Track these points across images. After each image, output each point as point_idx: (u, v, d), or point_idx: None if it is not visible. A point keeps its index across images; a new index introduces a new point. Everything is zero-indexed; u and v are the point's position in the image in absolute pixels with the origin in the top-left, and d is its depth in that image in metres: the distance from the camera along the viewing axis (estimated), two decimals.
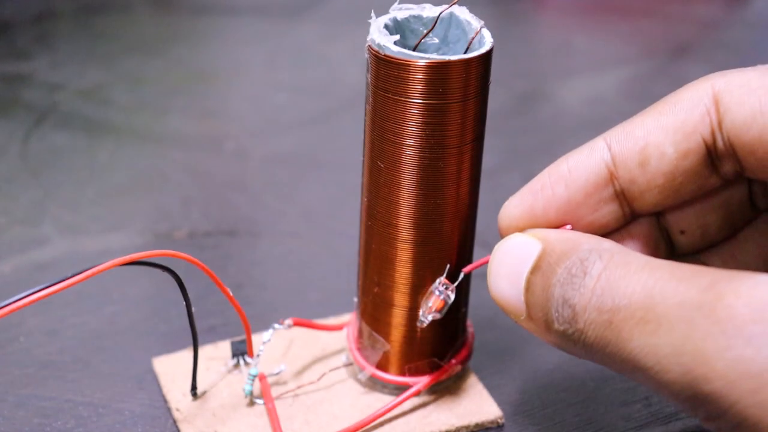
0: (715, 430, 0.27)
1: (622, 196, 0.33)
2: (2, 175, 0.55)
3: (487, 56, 0.34)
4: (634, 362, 0.27)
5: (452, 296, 0.36)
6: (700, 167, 0.32)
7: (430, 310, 0.36)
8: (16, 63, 0.68)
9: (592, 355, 0.29)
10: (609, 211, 0.34)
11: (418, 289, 0.37)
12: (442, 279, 0.36)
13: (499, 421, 0.39)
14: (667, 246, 0.35)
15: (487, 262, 0.33)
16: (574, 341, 0.29)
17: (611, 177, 0.33)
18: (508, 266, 0.32)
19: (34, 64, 0.68)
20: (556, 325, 0.30)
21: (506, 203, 0.34)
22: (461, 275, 0.36)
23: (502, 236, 0.34)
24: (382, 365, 0.39)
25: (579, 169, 0.33)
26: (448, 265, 0.36)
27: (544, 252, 0.31)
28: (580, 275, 0.29)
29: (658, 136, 0.32)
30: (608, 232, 0.34)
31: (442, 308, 0.36)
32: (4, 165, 0.56)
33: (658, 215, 0.35)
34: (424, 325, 0.37)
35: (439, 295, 0.36)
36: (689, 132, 0.32)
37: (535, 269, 0.31)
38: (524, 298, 0.31)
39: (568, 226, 0.33)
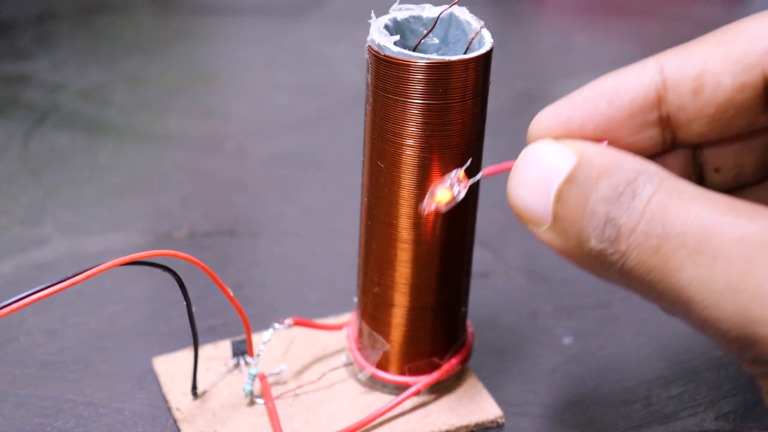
0: (759, 375, 0.26)
1: (666, 122, 0.32)
2: (2, 175, 0.55)
3: (487, 56, 0.34)
4: (678, 293, 0.26)
5: (462, 194, 0.34)
6: (754, 103, 0.31)
7: (434, 197, 0.34)
8: (16, 63, 0.68)
9: (627, 280, 0.28)
10: (649, 136, 0.32)
11: (419, 289, 0.37)
12: (461, 171, 0.34)
13: (499, 421, 0.39)
14: (698, 182, 0.34)
15: (510, 168, 0.31)
16: (611, 263, 0.28)
17: (659, 101, 0.31)
18: (535, 173, 0.30)
19: (34, 64, 0.67)
20: (593, 242, 0.28)
21: (540, 113, 0.32)
22: (479, 175, 0.34)
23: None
24: (382, 365, 0.39)
25: (626, 88, 0.32)
26: (471, 159, 0.35)
27: (580, 164, 0.29)
28: (629, 195, 0.27)
29: (717, 64, 0.30)
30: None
31: (449, 203, 0.34)
32: (4, 165, 0.56)
33: (694, 149, 0.34)
34: (425, 212, 0.35)
35: (450, 185, 0.34)
36: (751, 64, 0.30)
37: (570, 180, 0.29)
38: (553, 208, 0.29)
39: (605, 143, 0.31)
